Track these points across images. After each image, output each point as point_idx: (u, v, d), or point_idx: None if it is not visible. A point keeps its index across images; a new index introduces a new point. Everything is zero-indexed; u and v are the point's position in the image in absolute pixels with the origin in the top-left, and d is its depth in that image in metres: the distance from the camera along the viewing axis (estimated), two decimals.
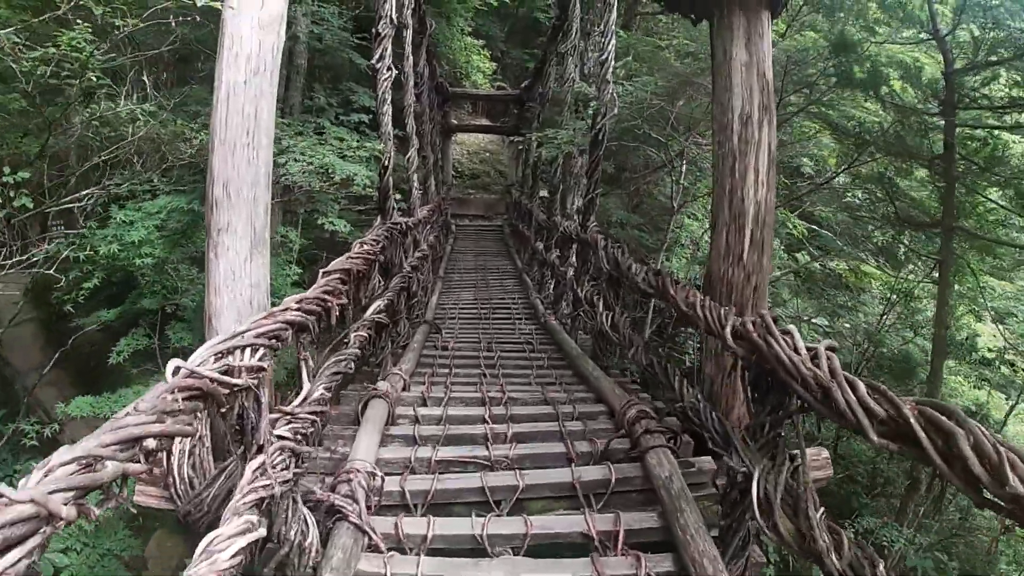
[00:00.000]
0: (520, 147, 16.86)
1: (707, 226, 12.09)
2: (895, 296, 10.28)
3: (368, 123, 12.83)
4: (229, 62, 3.46)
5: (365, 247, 4.44)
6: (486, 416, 3.88)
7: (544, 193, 12.71)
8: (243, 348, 2.08)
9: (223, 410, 2.07)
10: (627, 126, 9.39)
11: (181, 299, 6.06)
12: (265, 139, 3.49)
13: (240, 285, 3.33)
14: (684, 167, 9.79)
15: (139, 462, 1.59)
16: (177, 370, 1.86)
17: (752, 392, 2.45)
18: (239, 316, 3.31)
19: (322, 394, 2.89)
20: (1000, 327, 9.52)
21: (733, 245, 3.42)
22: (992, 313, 9.57)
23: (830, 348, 2.09)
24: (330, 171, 7.95)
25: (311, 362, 2.81)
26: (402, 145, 8.84)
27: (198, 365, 1.92)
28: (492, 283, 10.40)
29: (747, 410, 2.58)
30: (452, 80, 19.15)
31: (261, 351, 2.15)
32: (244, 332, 2.16)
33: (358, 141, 9.26)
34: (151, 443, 1.58)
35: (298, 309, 2.61)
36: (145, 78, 7.03)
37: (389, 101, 5.88)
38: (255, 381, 2.10)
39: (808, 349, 2.13)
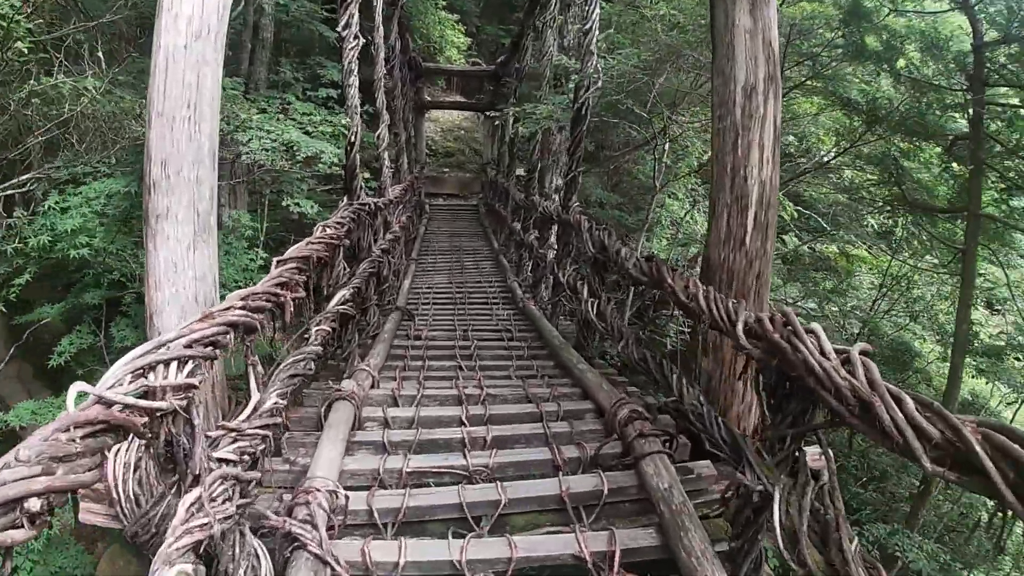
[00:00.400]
0: (496, 124, 16.41)
1: (687, 207, 11.85)
2: (890, 280, 10.07)
3: (337, 99, 12.26)
4: (168, 24, 3.02)
5: (328, 231, 4.06)
6: (463, 417, 3.55)
7: (521, 171, 12.35)
8: (168, 362, 1.71)
9: (147, 439, 1.71)
10: (608, 101, 9.00)
11: (123, 294, 5.58)
12: (208, 111, 3.07)
13: (183, 278, 2.94)
14: (667, 145, 9.44)
15: (23, 526, 1.23)
16: (83, 396, 1.50)
17: (768, 398, 2.15)
18: (183, 313, 2.93)
19: (276, 403, 2.52)
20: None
21: (735, 228, 3.12)
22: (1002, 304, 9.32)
23: (864, 352, 1.80)
24: (294, 148, 7.49)
25: (260, 367, 2.44)
26: (372, 121, 8.40)
27: (109, 388, 1.56)
28: (468, 266, 10.04)
29: (760, 419, 2.28)
30: (426, 55, 18.55)
31: (191, 364, 1.78)
32: (171, 341, 1.79)
33: (322, 116, 8.79)
34: (35, 504, 1.22)
35: (243, 308, 2.25)
36: (100, 51, 6.49)
37: (356, 72, 5.46)
38: (184, 401, 1.74)
39: (838, 352, 1.84)
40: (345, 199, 5.43)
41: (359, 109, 5.40)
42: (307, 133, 7.92)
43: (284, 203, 8.36)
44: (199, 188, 2.97)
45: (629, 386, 4.24)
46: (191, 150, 2.93)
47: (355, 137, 5.32)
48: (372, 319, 5.81)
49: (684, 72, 8.88)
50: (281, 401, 2.59)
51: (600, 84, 5.91)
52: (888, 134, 8.39)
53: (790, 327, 1.95)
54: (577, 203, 5.96)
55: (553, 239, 7.06)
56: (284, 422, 2.82)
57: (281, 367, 2.90)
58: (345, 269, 4.60)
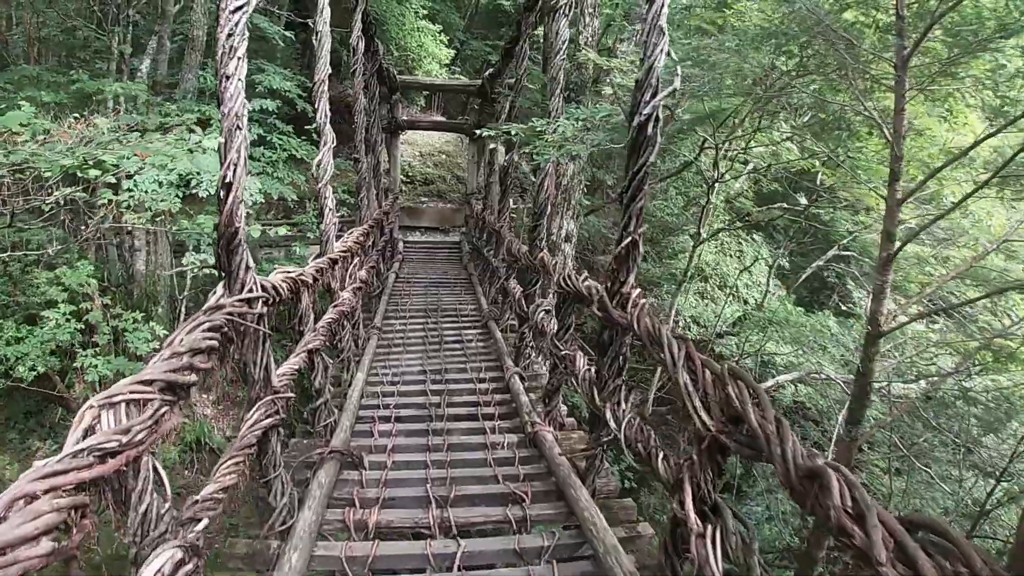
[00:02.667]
0: (485, 147, 13.99)
1: (728, 256, 9.42)
2: None
3: (278, 112, 9.77)
4: None
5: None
6: None
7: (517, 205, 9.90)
8: None
9: None
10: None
11: None
12: None
13: None
14: (720, 173, 7.00)
15: None
16: None
17: None
18: None
19: None
20: None
21: None
22: None
23: None
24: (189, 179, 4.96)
25: None
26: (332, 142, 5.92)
27: None
28: (449, 339, 7.47)
29: None
30: (402, 68, 16.16)
31: None
32: None
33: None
34: None
35: None
36: None
37: (241, 59, 2.94)
38: None
39: None
40: (221, 287, 2.87)
41: (244, 127, 2.87)
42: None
43: (185, 260, 5.84)
44: None
45: None
46: None
47: (234, 171, 2.78)
48: (278, 494, 3.24)
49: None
50: None
51: (678, 84, 3.45)
52: None
53: None
54: (638, 289, 3.48)
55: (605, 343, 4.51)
56: None
57: None
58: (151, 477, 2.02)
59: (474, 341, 7.36)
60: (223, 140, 2.83)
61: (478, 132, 7.15)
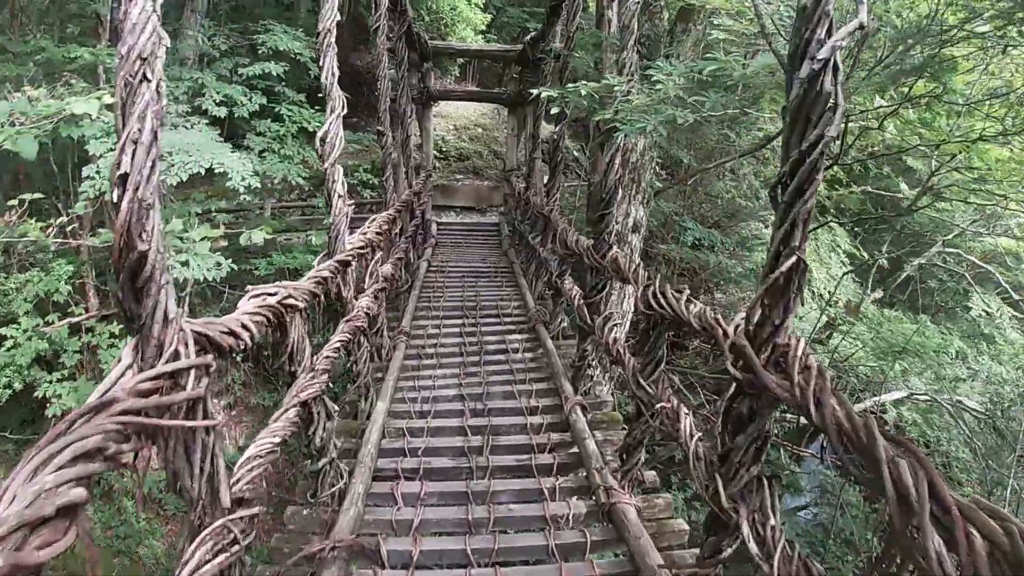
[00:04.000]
0: (527, 119, 12.67)
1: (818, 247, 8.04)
2: None
3: (285, 76, 8.56)
4: None
5: None
6: None
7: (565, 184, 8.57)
8: None
9: None
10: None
11: None
12: None
13: None
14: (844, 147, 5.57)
15: None
16: None
17: None
18: None
19: None
20: None
21: None
22: None
23: None
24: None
25: None
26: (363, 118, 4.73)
27: None
28: (490, 347, 6.27)
29: None
30: (433, 35, 14.83)
31: None
32: None
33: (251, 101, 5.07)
34: None
35: None
36: None
37: None
38: None
39: None
40: (124, 355, 1.70)
41: (158, 79, 1.67)
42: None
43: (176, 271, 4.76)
44: None
45: None
46: None
47: (139, 159, 1.58)
48: None
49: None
50: None
51: (864, 18, 2.12)
52: None
53: None
54: (802, 343, 2.21)
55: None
56: None
57: None
58: None
59: (520, 351, 6.16)
60: (118, 100, 1.64)
61: (533, 93, 5.83)
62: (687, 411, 3.07)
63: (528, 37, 12.20)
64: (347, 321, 4.18)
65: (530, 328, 6.66)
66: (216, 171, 6.24)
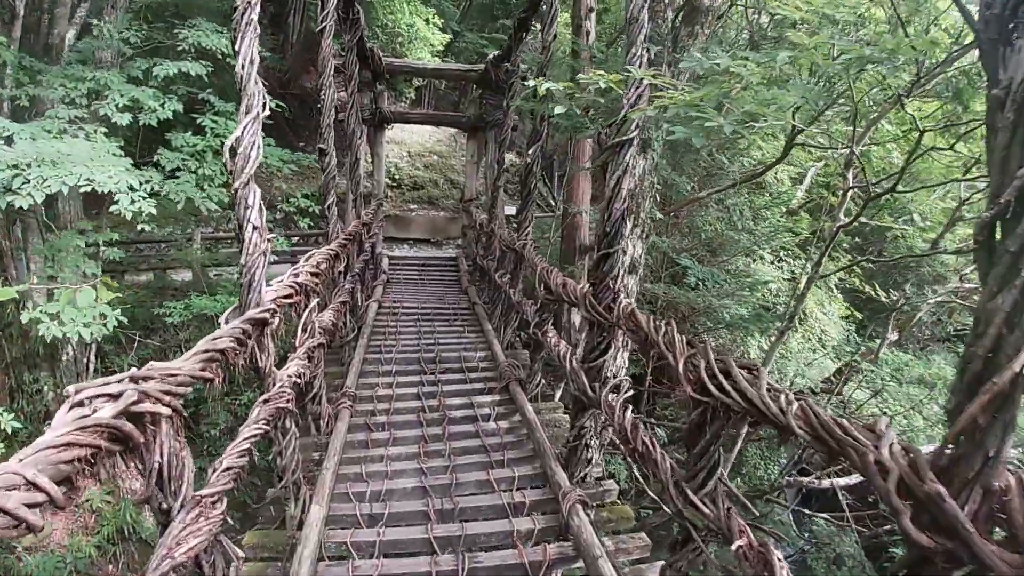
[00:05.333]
0: (488, 144, 11.72)
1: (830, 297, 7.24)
2: None
3: (211, 82, 7.32)
4: None
5: None
6: None
7: (511, 211, 7.51)
8: None
9: None
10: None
11: None
12: None
13: None
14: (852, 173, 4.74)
15: None
16: None
17: None
18: None
19: None
20: None
21: None
22: None
23: None
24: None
25: None
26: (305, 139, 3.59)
27: None
28: (457, 417, 5.11)
29: None
30: (388, 54, 13.81)
31: None
32: None
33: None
34: None
35: None
36: None
37: None
38: None
39: None
40: None
41: None
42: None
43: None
44: None
45: None
46: None
47: None
48: None
49: None
50: None
51: None
52: None
53: None
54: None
55: None
56: None
57: None
58: None
59: (493, 418, 5.03)
60: None
61: (531, 83, 4.78)
62: (780, 556, 2.03)
63: (491, 57, 11.31)
64: (265, 402, 3.00)
65: (503, 388, 5.54)
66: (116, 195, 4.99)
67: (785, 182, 9.99)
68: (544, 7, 7.01)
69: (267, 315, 2.95)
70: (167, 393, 1.81)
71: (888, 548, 7.77)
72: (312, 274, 4.13)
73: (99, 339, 4.50)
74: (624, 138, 3.42)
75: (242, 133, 2.98)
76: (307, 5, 9.21)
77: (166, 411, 1.74)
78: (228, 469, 2.34)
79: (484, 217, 9.74)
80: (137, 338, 7.42)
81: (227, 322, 2.88)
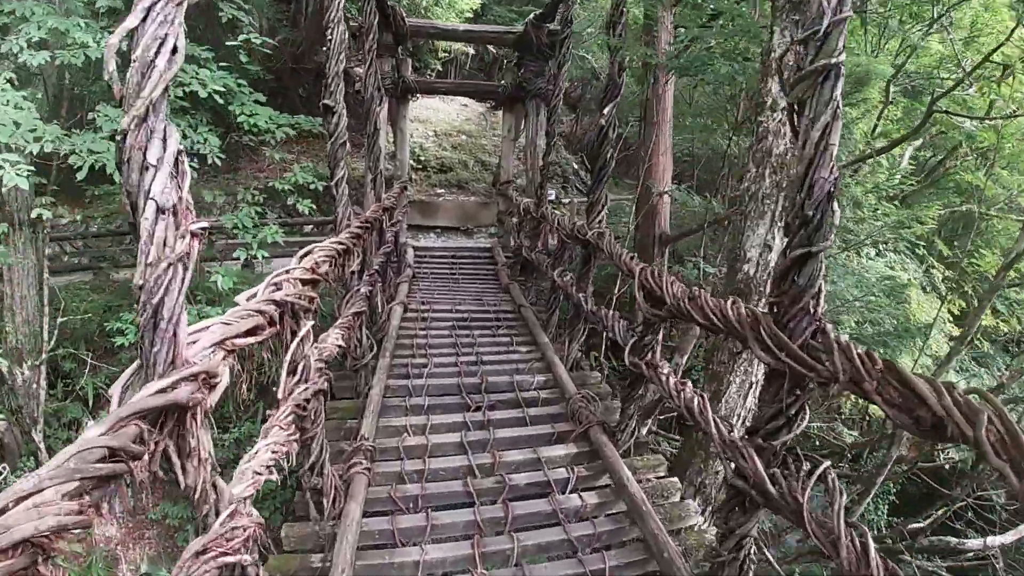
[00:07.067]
0: (528, 118, 10.10)
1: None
2: None
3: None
4: None
5: None
6: None
7: (551, 195, 5.89)
8: None
9: None
10: None
11: None
12: None
13: None
14: None
15: None
16: None
17: None
18: None
19: None
20: None
21: None
22: None
23: None
24: None
25: None
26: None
27: None
28: (516, 480, 3.56)
29: None
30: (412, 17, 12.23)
31: None
32: None
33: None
34: None
35: None
36: None
37: None
38: None
39: None
40: None
41: None
42: None
43: None
44: None
45: None
46: None
47: None
48: None
49: None
50: None
51: None
52: None
53: None
54: None
55: None
56: None
57: None
58: None
59: (573, 488, 3.48)
60: None
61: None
62: None
63: (531, 16, 9.69)
64: (199, 555, 1.50)
65: (581, 434, 3.99)
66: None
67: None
68: None
69: (189, 390, 1.43)
70: None
71: None
72: (306, 282, 2.61)
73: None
74: (829, 61, 1.91)
75: (143, 21, 1.47)
76: None
77: None
78: None
79: (530, 201, 8.15)
80: (90, 361, 6.07)
81: (117, 401, 1.41)
